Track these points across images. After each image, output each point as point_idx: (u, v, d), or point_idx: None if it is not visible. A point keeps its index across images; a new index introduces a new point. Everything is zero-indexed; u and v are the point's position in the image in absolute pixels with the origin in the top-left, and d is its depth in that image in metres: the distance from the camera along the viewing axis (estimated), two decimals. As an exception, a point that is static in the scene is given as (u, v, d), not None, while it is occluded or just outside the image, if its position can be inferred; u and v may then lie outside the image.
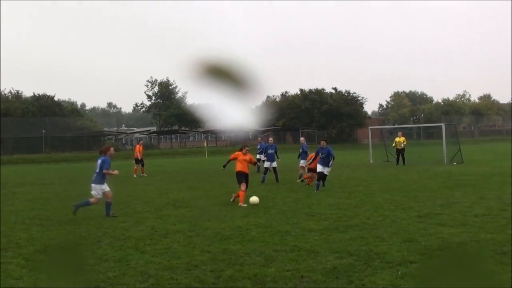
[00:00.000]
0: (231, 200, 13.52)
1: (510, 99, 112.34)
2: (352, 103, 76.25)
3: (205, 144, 56.63)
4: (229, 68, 2.93)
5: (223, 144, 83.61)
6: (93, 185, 11.68)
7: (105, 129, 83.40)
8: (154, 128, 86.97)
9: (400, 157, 27.07)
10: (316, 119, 74.53)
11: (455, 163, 26.35)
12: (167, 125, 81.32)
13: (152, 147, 72.28)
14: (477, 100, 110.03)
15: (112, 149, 12.29)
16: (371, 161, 31.28)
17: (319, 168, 15.84)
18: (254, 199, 12.94)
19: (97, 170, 11.73)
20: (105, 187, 11.74)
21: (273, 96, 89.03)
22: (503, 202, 11.83)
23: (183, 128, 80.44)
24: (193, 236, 9.06)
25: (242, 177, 13.62)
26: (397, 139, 27.63)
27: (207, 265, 6.95)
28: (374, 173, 22.00)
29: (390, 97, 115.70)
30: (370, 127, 38.86)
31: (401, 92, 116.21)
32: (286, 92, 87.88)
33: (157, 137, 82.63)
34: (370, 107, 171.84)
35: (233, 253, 7.59)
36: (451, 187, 15.40)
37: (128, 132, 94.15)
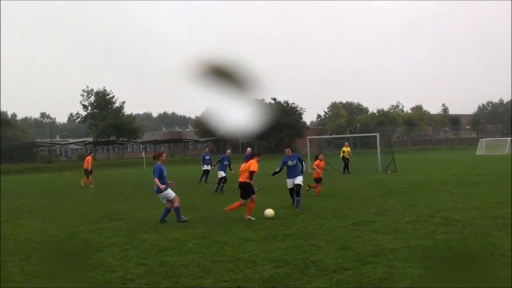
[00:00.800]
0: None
1: (440, 110, 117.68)
2: (291, 113, 77.44)
3: (144, 155, 55.63)
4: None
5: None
6: (162, 193, 11.96)
7: (38, 140, 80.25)
8: (90, 139, 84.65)
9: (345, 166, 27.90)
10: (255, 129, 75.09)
11: (389, 172, 27.24)
12: (103, 136, 79.37)
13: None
14: (409, 111, 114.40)
15: (164, 154, 12.59)
16: (310, 171, 31.76)
17: (290, 182, 14.07)
18: (269, 212, 12.10)
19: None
20: (169, 194, 11.99)
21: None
22: (432, 209, 12.33)
23: (120, 139, 78.81)
24: (129, 249, 8.87)
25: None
26: (344, 148, 28.35)
27: (143, 278, 6.82)
28: (311, 182, 22.33)
29: (328, 107, 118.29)
30: (308, 137, 39.54)
31: (338, 103, 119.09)
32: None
33: (93, 148, 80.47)
34: (308, 118, 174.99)
35: (170, 265, 7.48)
36: (385, 195, 15.89)
37: (62, 143, 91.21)
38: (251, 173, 12.35)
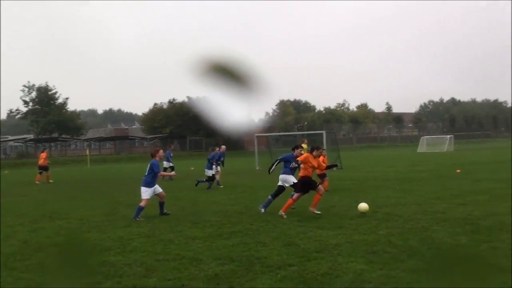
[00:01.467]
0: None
1: (384, 109, 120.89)
2: (239, 110, 77.58)
3: (88, 153, 54.28)
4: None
5: (107, 152, 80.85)
6: (143, 188, 12.13)
7: (-26, 137, 76.86)
8: (31, 136, 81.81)
9: None
10: (203, 126, 74.73)
11: (334, 169, 27.71)
12: (45, 133, 76.89)
13: (28, 155, 67.67)
14: (355, 109, 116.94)
15: (161, 151, 13.11)
16: (257, 168, 31.93)
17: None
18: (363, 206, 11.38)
19: (146, 173, 12.26)
20: (158, 188, 12.31)
21: (160, 103, 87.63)
22: (375, 205, 12.62)
23: (63, 136, 76.59)
24: (70, 249, 8.60)
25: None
26: (302, 145, 28.46)
27: (83, 279, 6.63)
28: (259, 180, 22.46)
29: (276, 105, 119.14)
30: (256, 135, 39.67)
31: (286, 101, 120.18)
32: (173, 99, 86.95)
33: (34, 145, 77.79)
34: (257, 115, 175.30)
35: (113, 265, 7.32)
36: (331, 192, 16.15)
37: (0, 140, 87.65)
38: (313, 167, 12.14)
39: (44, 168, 26.15)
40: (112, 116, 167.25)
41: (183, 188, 19.61)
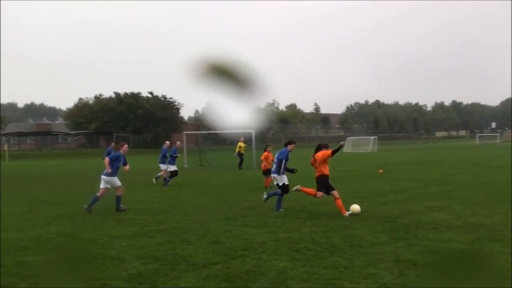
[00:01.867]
0: None
1: (313, 109, 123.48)
2: (168, 108, 76.57)
3: (6, 148, 51.63)
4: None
5: (27, 147, 77.38)
6: (104, 177, 12.35)
7: None
8: None
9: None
10: (131, 123, 73.15)
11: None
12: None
13: None
14: (284, 109, 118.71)
15: (126, 145, 13.08)
16: (186, 166, 31.68)
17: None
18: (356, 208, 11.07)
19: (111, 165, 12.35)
20: (117, 181, 12.45)
21: (86, 98, 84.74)
22: (301, 203, 12.88)
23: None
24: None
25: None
26: (239, 144, 28.39)
27: (-3, 280, 6.30)
28: (187, 178, 22.30)
29: (206, 103, 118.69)
30: (185, 132, 39.38)
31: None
32: (100, 94, 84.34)
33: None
34: (186, 113, 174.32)
35: (29, 265, 7.00)
36: (257, 190, 16.28)
37: None
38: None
39: None
40: (34, 110, 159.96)
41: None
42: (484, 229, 9.02)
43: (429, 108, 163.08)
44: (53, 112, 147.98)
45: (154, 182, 19.48)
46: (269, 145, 18.03)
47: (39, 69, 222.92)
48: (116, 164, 12.51)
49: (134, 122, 72.75)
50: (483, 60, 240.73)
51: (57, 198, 15.30)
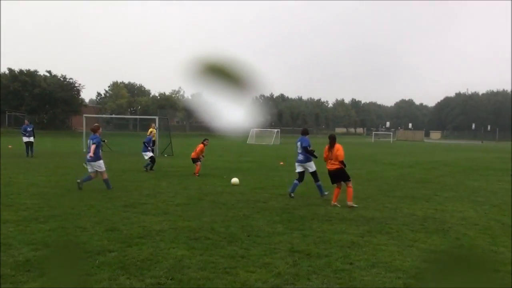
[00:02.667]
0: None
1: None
2: (68, 89, 73.08)
3: None
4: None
5: None
6: (93, 162, 12.92)
7: None
8: None
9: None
10: (26, 102, 68.97)
11: (165, 155, 27.66)
12: None
13: None
14: (190, 97, 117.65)
15: (100, 128, 13.81)
16: (84, 150, 30.45)
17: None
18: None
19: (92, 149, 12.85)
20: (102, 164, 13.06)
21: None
22: (202, 192, 12.89)
23: None
24: None
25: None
26: (151, 129, 27.46)
27: None
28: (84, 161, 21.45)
29: (109, 86, 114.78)
30: (85, 115, 37.83)
31: (120, 83, 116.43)
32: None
33: None
34: (87, 95, 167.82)
35: None
36: (159, 178, 16.08)
37: None
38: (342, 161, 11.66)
39: None
40: None
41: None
42: (374, 222, 9.57)
43: (330, 105, 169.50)
44: None
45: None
46: (207, 139, 19.04)
47: None
48: (99, 148, 13.28)
49: (29, 102, 68.61)
50: (382, 63, 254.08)
51: None
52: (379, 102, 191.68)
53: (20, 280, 5.46)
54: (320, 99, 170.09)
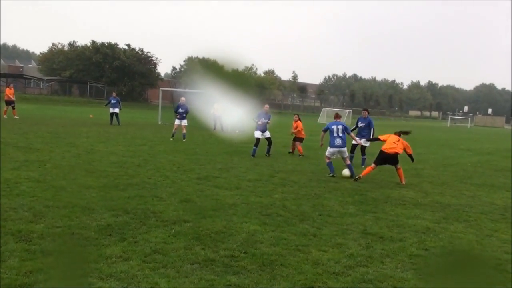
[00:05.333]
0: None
1: (290, 77, 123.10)
2: (145, 62, 75.24)
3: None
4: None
5: (-2, 89, 75.28)
6: None
7: None
8: None
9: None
10: (106, 74, 71.71)
11: (237, 131, 27.95)
12: None
13: None
14: (262, 74, 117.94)
15: None
16: (160, 123, 31.40)
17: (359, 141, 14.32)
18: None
19: None
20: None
21: (59, 44, 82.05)
22: (273, 170, 12.96)
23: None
24: (-51, 188, 8.00)
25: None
26: (215, 105, 27.96)
27: (-37, 221, 6.21)
28: (160, 134, 22.13)
29: (184, 61, 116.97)
30: (161, 89, 38.92)
31: (195, 58, 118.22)
32: (74, 41, 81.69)
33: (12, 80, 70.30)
34: (163, 69, 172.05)
35: (-3, 208, 6.90)
36: (231, 153, 16.30)
37: None
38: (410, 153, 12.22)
39: (9, 103, 26.34)
40: (6, 51, 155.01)
41: (80, 135, 18.81)
42: (451, 209, 9.25)
43: (405, 86, 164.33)
44: (25, 55, 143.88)
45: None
46: (297, 114, 18.83)
47: (10, 7, 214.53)
48: None
49: (109, 74, 71.25)
50: (464, 43, 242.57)
51: (27, 143, 15.01)
52: (457, 86, 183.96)
53: (102, 243, 5.73)
54: (394, 80, 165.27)
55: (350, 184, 11.44)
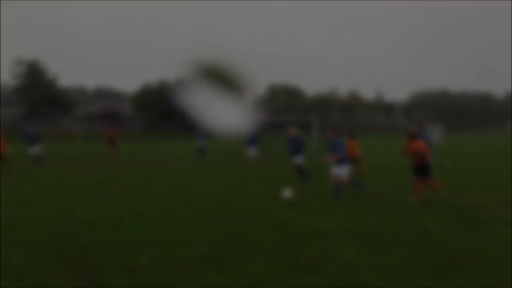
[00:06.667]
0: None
1: (374, 96, 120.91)
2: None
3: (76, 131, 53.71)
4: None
5: (96, 129, 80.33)
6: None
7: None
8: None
9: None
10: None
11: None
12: (34, 108, 75.79)
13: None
14: (344, 96, 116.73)
15: None
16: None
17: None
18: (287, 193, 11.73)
19: None
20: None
21: (148, 82, 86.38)
22: (366, 192, 12.65)
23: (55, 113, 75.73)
24: (62, 224, 8.59)
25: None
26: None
27: (76, 255, 6.62)
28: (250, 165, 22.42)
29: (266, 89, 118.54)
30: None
31: (277, 85, 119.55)
32: (163, 79, 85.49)
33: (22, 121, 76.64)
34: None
35: (104, 242, 7.30)
36: (321, 179, 16.10)
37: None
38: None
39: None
40: (102, 94, 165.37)
41: (172, 168, 19.56)
42: None
43: (499, 97, 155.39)
44: (120, 97, 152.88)
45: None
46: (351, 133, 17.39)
47: (97, 49, 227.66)
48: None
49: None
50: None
51: (126, 180, 15.82)
52: None
53: (203, 274, 5.86)
54: (487, 91, 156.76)
55: (447, 204, 10.92)
